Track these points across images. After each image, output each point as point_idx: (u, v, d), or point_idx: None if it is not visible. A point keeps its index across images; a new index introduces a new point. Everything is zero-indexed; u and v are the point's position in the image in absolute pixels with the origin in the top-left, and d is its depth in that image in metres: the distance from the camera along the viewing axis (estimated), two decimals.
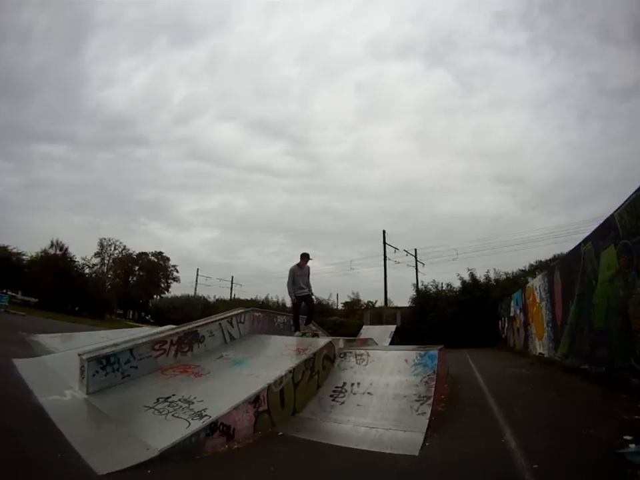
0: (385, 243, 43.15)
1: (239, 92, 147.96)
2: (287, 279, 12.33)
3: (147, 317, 71.52)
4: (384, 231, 43.68)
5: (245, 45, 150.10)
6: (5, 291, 47.09)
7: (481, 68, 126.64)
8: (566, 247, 25.15)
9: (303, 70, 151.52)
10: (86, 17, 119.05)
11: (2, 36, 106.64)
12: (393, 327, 30.12)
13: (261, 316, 12.68)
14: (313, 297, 13.47)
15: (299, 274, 12.39)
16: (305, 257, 12.52)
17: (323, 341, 9.89)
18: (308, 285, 12.58)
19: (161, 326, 14.27)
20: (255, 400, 6.55)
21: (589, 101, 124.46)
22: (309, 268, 12.67)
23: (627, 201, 8.83)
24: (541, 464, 4.85)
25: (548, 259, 37.72)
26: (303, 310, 12.98)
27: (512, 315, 24.63)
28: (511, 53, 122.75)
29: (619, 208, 9.19)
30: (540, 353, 16.85)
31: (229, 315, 11.13)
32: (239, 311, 11.58)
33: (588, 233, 11.89)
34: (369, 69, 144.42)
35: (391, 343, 24.21)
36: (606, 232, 9.93)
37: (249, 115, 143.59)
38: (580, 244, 12.08)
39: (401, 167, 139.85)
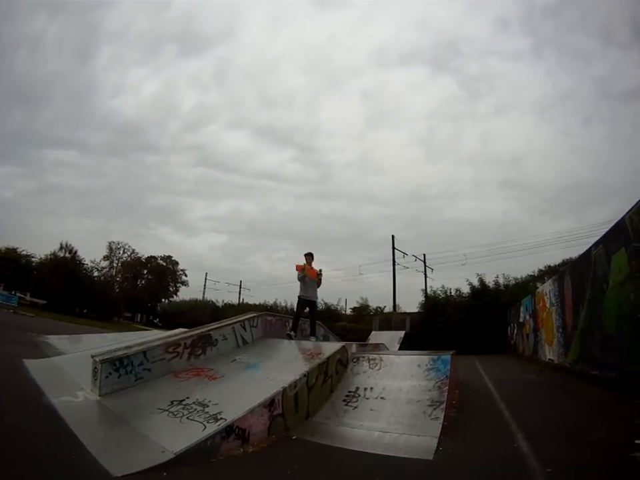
0: (393, 248, 43.17)
1: (246, 100, 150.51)
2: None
3: (155, 321, 71.76)
4: (393, 236, 43.79)
5: (252, 55, 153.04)
6: (13, 292, 47.45)
7: (486, 74, 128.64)
8: (575, 251, 25.21)
9: (308, 79, 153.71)
10: (96, 27, 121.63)
11: (15, 44, 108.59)
12: (402, 333, 29.85)
13: (274, 320, 12.67)
14: (319, 302, 13.03)
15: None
16: (307, 256, 12.22)
17: (336, 345, 9.92)
18: (312, 289, 12.16)
19: (170, 330, 14.33)
20: (270, 403, 6.56)
21: (593, 104, 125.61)
22: (319, 272, 12.23)
23: (637, 203, 8.82)
24: (554, 468, 4.86)
25: (557, 263, 37.60)
26: (306, 315, 12.68)
27: (521, 320, 24.51)
28: (514, 58, 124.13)
29: (629, 211, 9.19)
30: (549, 359, 16.74)
31: (241, 318, 11.14)
32: (251, 315, 11.57)
33: (597, 238, 11.90)
34: (374, 77, 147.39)
35: (400, 349, 24.07)
36: (616, 235, 9.93)
37: (257, 123, 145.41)
38: (590, 248, 12.05)
39: (408, 173, 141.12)
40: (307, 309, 12.45)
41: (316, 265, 12.42)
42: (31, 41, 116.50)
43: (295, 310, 13.05)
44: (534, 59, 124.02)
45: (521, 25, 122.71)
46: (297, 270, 12.07)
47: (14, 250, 54.44)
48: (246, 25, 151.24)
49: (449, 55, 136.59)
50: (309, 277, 12.05)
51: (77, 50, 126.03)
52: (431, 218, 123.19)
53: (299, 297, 12.26)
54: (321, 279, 12.28)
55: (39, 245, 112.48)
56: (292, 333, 11.93)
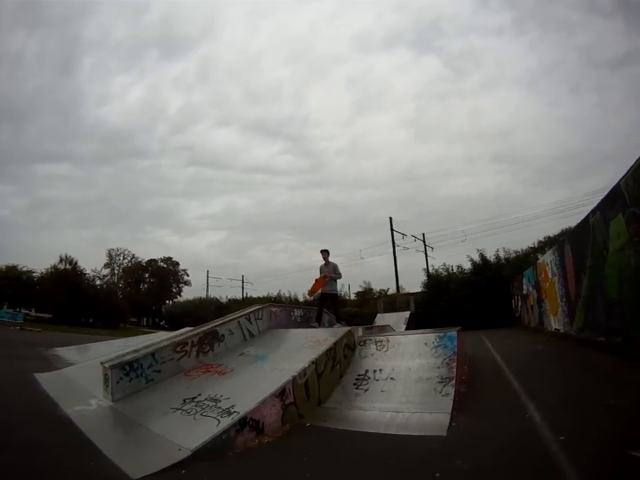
0: (392, 229, 42.94)
1: (233, 97, 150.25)
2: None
3: (161, 323, 72.01)
4: (390, 218, 43.39)
5: (234, 51, 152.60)
6: (18, 309, 47.45)
7: (469, 51, 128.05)
8: (573, 220, 25.05)
9: (293, 70, 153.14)
10: (75, 38, 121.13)
11: None
12: (407, 313, 29.95)
13: (278, 311, 12.76)
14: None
15: (323, 271, 12.76)
16: (323, 252, 12.99)
17: (342, 330, 9.93)
18: (330, 284, 12.78)
19: (176, 331, 14.37)
20: (281, 393, 6.64)
21: (580, 74, 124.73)
22: (334, 265, 12.91)
23: (631, 168, 8.77)
24: (566, 435, 4.91)
25: (556, 233, 37.58)
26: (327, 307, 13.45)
27: (525, 292, 24.57)
28: (497, 33, 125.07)
29: (624, 176, 9.14)
30: (555, 329, 16.81)
31: (246, 312, 11.22)
32: (256, 307, 11.66)
33: (593, 205, 11.88)
34: (358, 62, 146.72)
35: (407, 329, 24.15)
36: (613, 201, 9.89)
37: (245, 119, 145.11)
38: (588, 215, 12.00)
39: (399, 155, 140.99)
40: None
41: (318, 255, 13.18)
42: (11, 59, 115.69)
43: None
44: (516, 33, 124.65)
45: None
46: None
47: (14, 267, 54.53)
48: (225, 21, 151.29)
49: (431, 35, 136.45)
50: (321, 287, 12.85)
51: (59, 63, 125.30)
52: (426, 197, 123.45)
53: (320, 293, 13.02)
54: (333, 276, 12.83)
55: (38, 260, 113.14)
56: (314, 324, 12.61)
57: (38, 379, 9.81)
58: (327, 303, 13.18)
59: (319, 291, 12.91)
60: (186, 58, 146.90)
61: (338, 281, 13.18)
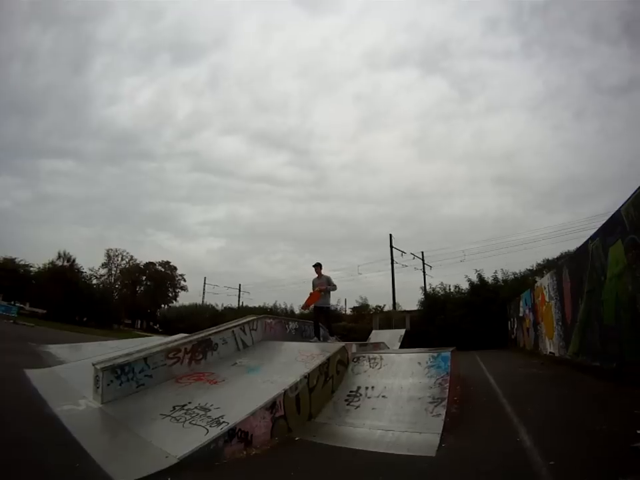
0: (391, 246, 43.06)
1: (240, 106, 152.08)
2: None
3: (155, 327, 71.59)
4: (390, 235, 43.62)
5: (245, 62, 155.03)
6: (13, 302, 47.35)
7: (476, 73, 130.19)
8: (572, 244, 25.14)
9: (301, 84, 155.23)
10: (89, 37, 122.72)
11: (9, 56, 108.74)
12: (402, 331, 29.96)
13: (273, 322, 12.80)
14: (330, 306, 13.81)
15: (317, 284, 12.78)
16: (315, 267, 12.97)
17: (336, 345, 9.92)
18: (324, 297, 12.80)
19: (170, 335, 14.35)
20: (272, 406, 6.58)
21: (584, 99, 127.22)
22: (327, 278, 12.97)
23: (632, 195, 8.84)
24: (557, 461, 4.87)
25: (555, 257, 37.56)
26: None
27: (521, 315, 24.48)
28: (505, 56, 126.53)
29: (624, 203, 9.20)
30: (550, 352, 16.74)
31: (241, 322, 11.21)
32: (251, 318, 11.67)
33: (593, 230, 11.92)
34: (366, 79, 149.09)
35: (401, 347, 24.09)
36: (613, 228, 9.94)
37: (252, 128, 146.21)
38: (587, 241, 12.05)
39: (403, 172, 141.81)
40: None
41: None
42: (25, 54, 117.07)
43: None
44: (524, 57, 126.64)
45: (510, 24, 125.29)
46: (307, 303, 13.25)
47: (12, 260, 54.29)
48: (239, 32, 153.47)
49: (439, 56, 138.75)
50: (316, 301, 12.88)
51: (71, 61, 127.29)
52: (427, 216, 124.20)
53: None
54: (329, 288, 12.87)
55: (36, 255, 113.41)
56: (314, 338, 12.80)
57: (28, 375, 9.77)
58: (321, 316, 13.23)
59: (313, 305, 12.96)
60: (197, 64, 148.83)
61: (332, 293, 13.20)
